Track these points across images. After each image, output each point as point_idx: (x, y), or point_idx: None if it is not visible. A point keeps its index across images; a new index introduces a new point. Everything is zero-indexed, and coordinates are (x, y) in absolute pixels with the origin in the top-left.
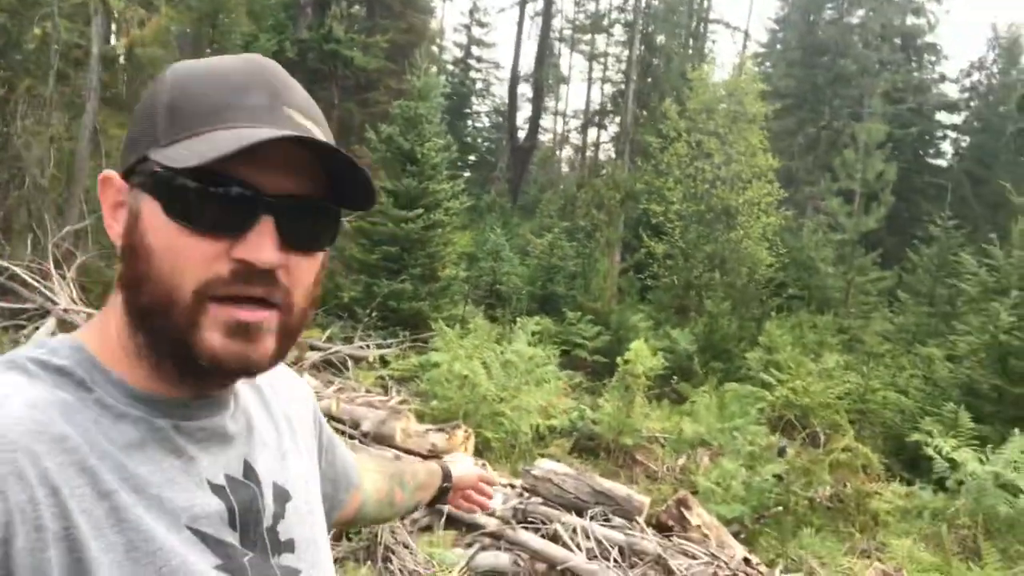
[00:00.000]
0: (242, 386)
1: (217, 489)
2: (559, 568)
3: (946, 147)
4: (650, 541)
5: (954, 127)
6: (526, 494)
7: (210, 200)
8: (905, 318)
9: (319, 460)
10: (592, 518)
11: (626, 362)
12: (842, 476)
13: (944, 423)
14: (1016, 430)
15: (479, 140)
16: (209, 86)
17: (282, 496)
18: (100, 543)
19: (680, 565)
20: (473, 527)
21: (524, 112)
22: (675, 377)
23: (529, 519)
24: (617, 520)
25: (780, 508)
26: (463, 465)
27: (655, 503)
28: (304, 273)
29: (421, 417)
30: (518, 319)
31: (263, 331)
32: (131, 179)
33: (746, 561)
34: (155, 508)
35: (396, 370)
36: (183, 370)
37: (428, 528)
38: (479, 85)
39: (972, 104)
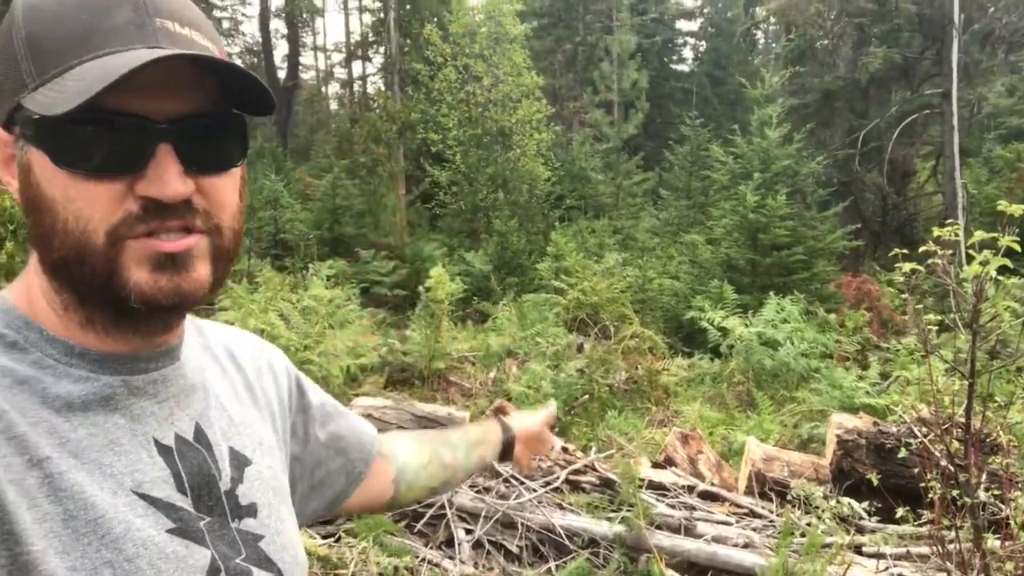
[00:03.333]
0: (196, 347)
1: (164, 450)
2: None
3: (687, 53)
4: None
5: (692, 34)
6: None
7: (97, 140)
8: (668, 213)
9: (300, 429)
10: None
11: (428, 290)
12: (634, 360)
13: (712, 298)
14: (771, 294)
15: None
16: (66, 10)
17: (239, 460)
18: (33, 513)
19: (505, 467)
20: None
21: (281, 50)
22: (475, 298)
23: None
24: None
25: (586, 397)
26: (521, 417)
27: (474, 417)
28: (224, 192)
29: None
30: (310, 265)
31: (193, 258)
32: (12, 130)
33: (564, 450)
34: (97, 473)
35: None
36: (117, 318)
37: None
38: (225, 24)
39: (705, 11)
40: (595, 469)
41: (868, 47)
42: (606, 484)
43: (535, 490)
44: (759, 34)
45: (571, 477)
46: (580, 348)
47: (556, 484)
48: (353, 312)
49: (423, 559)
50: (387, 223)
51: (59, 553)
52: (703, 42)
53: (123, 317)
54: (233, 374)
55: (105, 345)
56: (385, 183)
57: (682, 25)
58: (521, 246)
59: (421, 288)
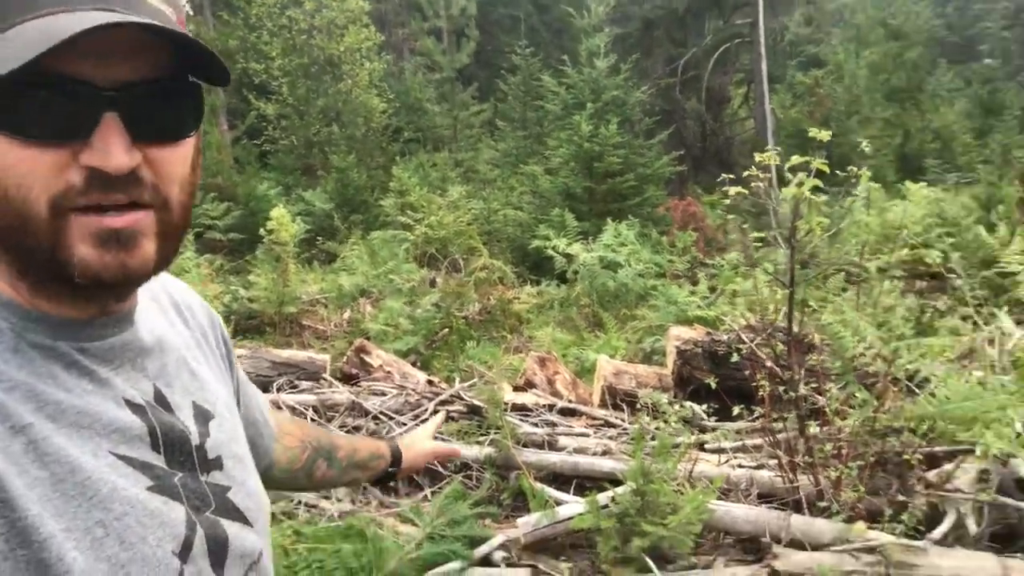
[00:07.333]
0: (151, 305)
1: (137, 409)
2: None
3: None
4: (341, 392)
5: None
6: None
7: (40, 105)
8: (506, 144)
9: (236, 391)
10: (279, 389)
11: (270, 232)
12: (486, 291)
13: (554, 226)
14: (608, 219)
15: None
16: None
17: (203, 415)
18: (24, 479)
19: (374, 404)
20: None
21: None
22: (319, 238)
23: None
24: (305, 384)
25: (446, 330)
26: (418, 444)
27: (335, 359)
28: (173, 164)
29: None
30: None
31: (138, 235)
32: None
33: (429, 383)
34: (75, 436)
35: None
36: (65, 289)
37: None
38: None
39: None
40: (461, 398)
41: None
42: (473, 411)
43: (404, 424)
44: None
45: (439, 408)
46: (433, 283)
47: (425, 416)
48: (188, 260)
49: (299, 502)
50: (211, 162)
51: (54, 516)
52: None
53: (67, 289)
54: (183, 329)
55: (61, 311)
56: (205, 118)
57: None
58: (362, 182)
59: (263, 231)
